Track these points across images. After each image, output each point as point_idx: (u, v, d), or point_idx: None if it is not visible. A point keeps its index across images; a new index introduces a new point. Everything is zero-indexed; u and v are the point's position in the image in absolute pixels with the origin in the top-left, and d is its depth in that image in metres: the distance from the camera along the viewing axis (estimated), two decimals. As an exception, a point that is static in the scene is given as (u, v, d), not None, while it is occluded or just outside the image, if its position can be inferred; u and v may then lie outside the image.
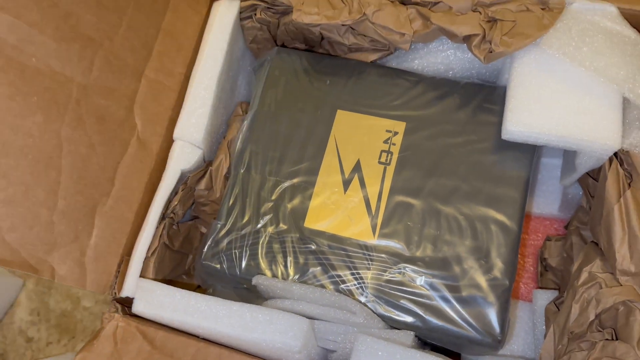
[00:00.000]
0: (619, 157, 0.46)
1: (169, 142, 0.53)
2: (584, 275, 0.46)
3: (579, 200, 0.57)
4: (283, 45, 0.60)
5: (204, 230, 0.57)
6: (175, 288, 0.46)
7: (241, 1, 0.55)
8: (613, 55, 0.45)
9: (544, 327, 0.53)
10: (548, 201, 0.61)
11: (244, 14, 0.56)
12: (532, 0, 0.48)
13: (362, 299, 0.47)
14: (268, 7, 0.55)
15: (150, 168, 0.51)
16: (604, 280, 0.44)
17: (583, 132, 0.45)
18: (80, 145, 0.47)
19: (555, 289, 0.55)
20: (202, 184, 0.54)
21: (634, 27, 0.47)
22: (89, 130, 0.47)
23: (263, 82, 0.55)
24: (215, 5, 0.56)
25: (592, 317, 0.43)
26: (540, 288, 0.56)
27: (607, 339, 0.42)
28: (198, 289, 0.56)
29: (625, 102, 0.46)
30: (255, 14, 0.56)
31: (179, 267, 0.54)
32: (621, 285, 0.43)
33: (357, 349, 0.42)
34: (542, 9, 0.48)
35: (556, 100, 0.46)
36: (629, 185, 0.45)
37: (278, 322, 0.44)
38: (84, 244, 0.47)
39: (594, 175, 0.50)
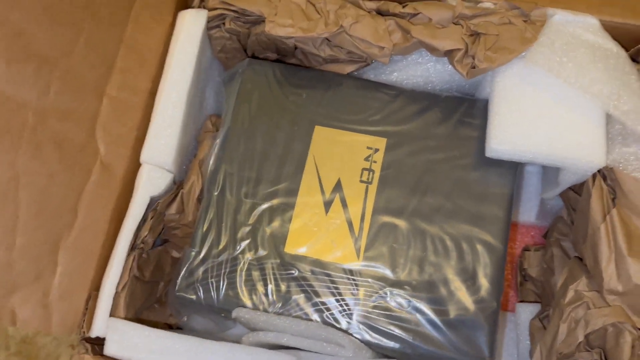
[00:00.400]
0: (602, 172, 0.46)
1: (135, 164, 0.49)
2: (570, 294, 0.45)
3: (557, 210, 0.57)
4: (253, 55, 0.56)
5: (175, 254, 0.53)
6: (150, 328, 0.43)
7: (209, 10, 0.52)
8: (597, 70, 0.44)
9: (527, 341, 0.52)
10: (525, 209, 0.61)
11: (212, 23, 0.53)
12: (514, 12, 0.47)
13: (348, 327, 0.45)
14: (237, 17, 0.52)
15: (116, 194, 0.48)
16: (591, 299, 0.44)
17: (568, 150, 0.45)
18: (39, 175, 0.43)
19: (536, 301, 0.55)
20: (173, 208, 0.51)
21: (615, 39, 0.47)
22: (48, 159, 0.43)
23: (235, 97, 0.52)
24: (180, 16, 0.52)
25: (580, 338, 0.43)
26: (522, 302, 0.56)
27: (596, 360, 0.42)
28: (171, 317, 0.53)
29: (607, 117, 0.46)
30: (224, 24, 0.52)
31: (150, 297, 0.50)
32: (609, 305, 0.43)
33: (348, 385, 0.41)
34: (525, 21, 0.47)
35: (540, 117, 0.45)
36: (613, 201, 0.45)
37: (264, 361, 0.41)
38: (47, 282, 0.43)
39: (576, 189, 0.50)
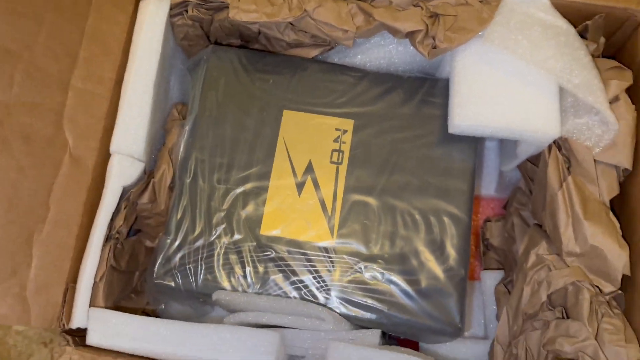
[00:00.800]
0: (557, 143, 0.49)
1: (104, 155, 0.49)
2: (532, 258, 0.48)
3: (515, 181, 0.60)
4: (216, 42, 0.57)
5: (149, 244, 0.54)
6: (132, 315, 0.43)
7: (171, -2, 0.52)
8: (550, 47, 0.47)
9: (494, 306, 0.55)
10: (485, 182, 0.63)
11: (174, 11, 0.53)
12: (470, -7, 0.49)
13: (326, 302, 0.46)
14: (200, 4, 0.52)
15: (87, 186, 0.47)
16: (552, 262, 0.47)
17: (526, 122, 0.47)
18: (8, 170, 0.42)
19: (499, 268, 0.58)
20: (145, 198, 0.51)
21: (565, 17, 0.49)
22: (16, 153, 0.43)
23: (201, 84, 0.52)
24: (143, 4, 0.52)
25: (543, 298, 0.46)
26: (486, 269, 0.59)
27: (558, 317, 0.45)
28: (148, 305, 0.53)
29: (561, 90, 0.49)
30: (187, 11, 0.52)
31: (127, 287, 0.51)
32: (568, 266, 0.46)
33: (331, 356, 0.43)
34: (480, 1, 0.49)
35: (499, 93, 0.48)
36: (568, 169, 0.48)
37: (247, 340, 0.42)
38: (24, 277, 0.43)
39: (533, 160, 0.53)
